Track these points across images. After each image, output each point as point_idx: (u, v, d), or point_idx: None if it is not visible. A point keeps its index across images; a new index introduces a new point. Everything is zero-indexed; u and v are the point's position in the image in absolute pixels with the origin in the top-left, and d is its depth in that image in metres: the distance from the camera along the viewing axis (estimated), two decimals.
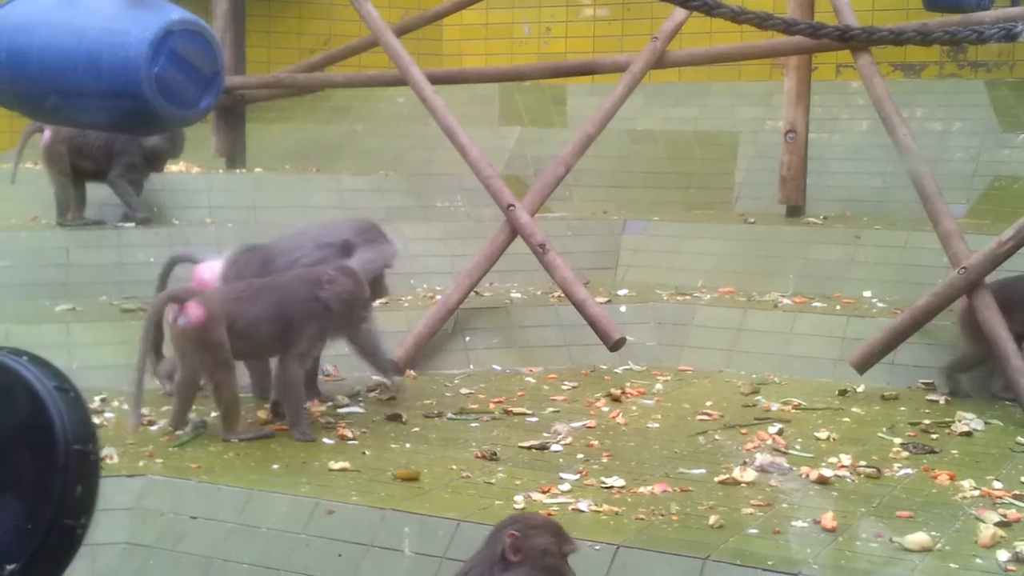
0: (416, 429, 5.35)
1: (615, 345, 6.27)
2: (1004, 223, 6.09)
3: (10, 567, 2.38)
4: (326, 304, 5.19)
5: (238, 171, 9.09)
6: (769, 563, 3.75)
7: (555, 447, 5.07)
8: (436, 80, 7.53)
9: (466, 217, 8.33)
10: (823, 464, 4.71)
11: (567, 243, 7.66)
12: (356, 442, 5.11)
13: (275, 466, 4.76)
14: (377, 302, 5.80)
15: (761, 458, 4.72)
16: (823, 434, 5.17)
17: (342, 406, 5.71)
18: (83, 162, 7.54)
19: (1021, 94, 9.25)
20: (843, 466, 4.67)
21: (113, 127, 6.52)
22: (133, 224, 7.59)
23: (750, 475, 4.56)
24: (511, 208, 6.75)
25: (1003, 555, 3.72)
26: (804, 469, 4.64)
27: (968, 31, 5.34)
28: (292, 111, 10.75)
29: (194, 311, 5.01)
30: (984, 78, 9.65)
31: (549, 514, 4.17)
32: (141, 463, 4.78)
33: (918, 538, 3.85)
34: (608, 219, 8.42)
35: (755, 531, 4.01)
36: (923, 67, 9.99)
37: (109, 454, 4.83)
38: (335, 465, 4.73)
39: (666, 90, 10.14)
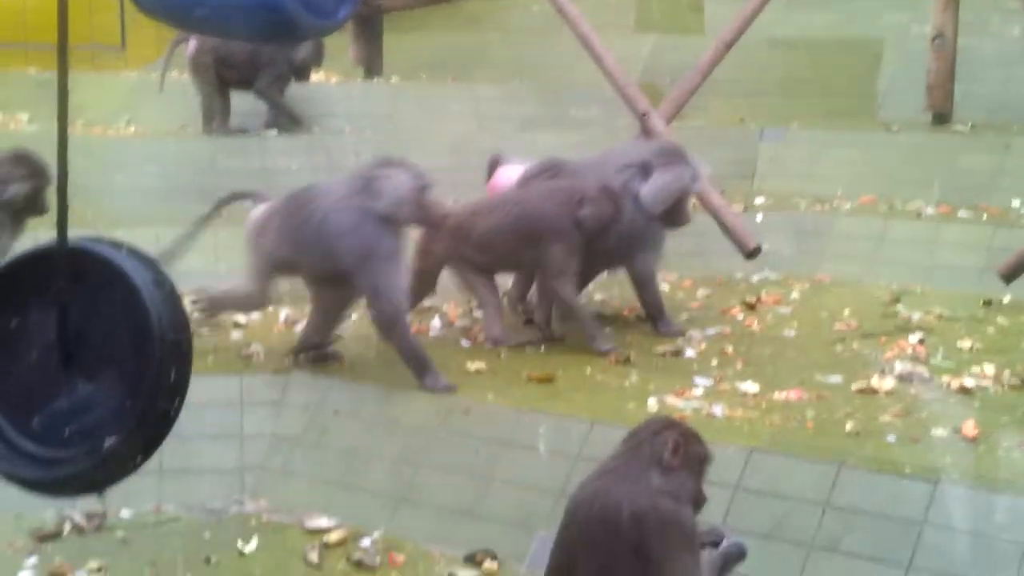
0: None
1: (751, 253, 6.20)
2: None
3: (110, 440, 2.55)
4: (579, 222, 5.04)
5: (375, 80, 9.18)
6: (907, 470, 3.72)
7: (689, 352, 5.08)
8: None
9: (602, 126, 8.28)
10: (965, 374, 4.62)
11: (704, 151, 7.49)
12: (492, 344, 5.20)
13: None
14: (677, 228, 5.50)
15: (901, 366, 4.66)
16: (966, 344, 5.06)
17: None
18: (228, 72, 7.70)
19: None
20: (986, 376, 4.58)
21: (254, 37, 6.59)
22: (275, 132, 7.76)
23: (889, 383, 4.51)
24: (645, 116, 6.68)
25: None
26: (945, 378, 4.56)
27: None
28: (428, 20, 10.77)
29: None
30: None
31: (682, 417, 4.19)
32: (286, 361, 4.95)
33: None
34: (745, 128, 8.28)
35: (893, 439, 3.97)
36: None
37: (256, 351, 5.01)
38: (472, 366, 4.83)
39: None
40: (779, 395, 4.46)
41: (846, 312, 5.68)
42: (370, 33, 9.36)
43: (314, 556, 4.10)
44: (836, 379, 4.64)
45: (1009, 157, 7.16)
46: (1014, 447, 3.85)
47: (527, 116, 8.24)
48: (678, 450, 3.11)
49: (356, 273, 4.58)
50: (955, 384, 4.49)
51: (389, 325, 4.59)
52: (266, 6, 5.13)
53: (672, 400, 4.42)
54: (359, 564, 4.05)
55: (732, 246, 6.26)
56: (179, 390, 2.63)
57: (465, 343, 5.25)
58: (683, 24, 10.05)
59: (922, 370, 4.65)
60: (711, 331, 5.40)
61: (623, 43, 8.84)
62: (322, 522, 4.29)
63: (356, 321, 5.31)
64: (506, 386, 4.63)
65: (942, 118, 8.03)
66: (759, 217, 6.93)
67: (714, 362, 4.95)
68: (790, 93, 8.99)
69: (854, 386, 4.52)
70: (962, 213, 6.76)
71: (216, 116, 7.76)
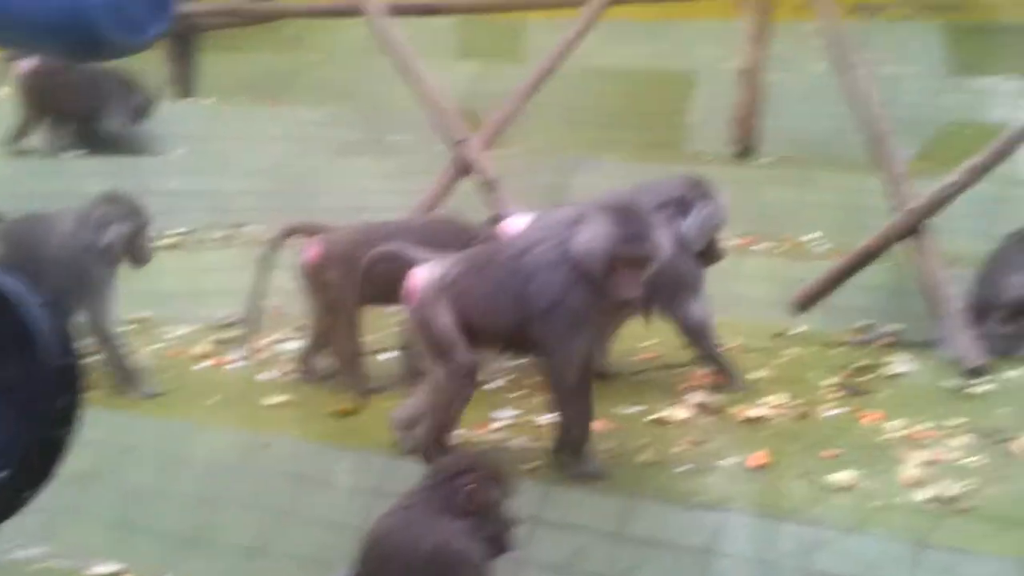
0: None
1: None
2: (952, 167, 6.13)
3: (2, 474, 2.48)
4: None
5: (190, 100, 9.00)
6: (696, 500, 3.83)
7: (493, 385, 5.11)
8: (394, 11, 7.46)
9: (420, 152, 8.29)
10: (755, 403, 4.78)
11: (519, 180, 7.63)
12: (296, 376, 5.14)
13: (210, 400, 4.78)
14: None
15: (695, 397, 4.79)
16: (759, 374, 5.24)
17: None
18: (64, 102, 7.48)
19: (976, 38, 9.27)
20: (774, 406, 4.75)
21: (62, 53, 6.42)
22: (82, 152, 7.54)
23: (682, 414, 4.63)
24: (463, 143, 6.73)
25: (923, 494, 3.81)
26: (736, 408, 4.71)
27: None
28: (246, 40, 10.61)
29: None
30: (940, 21, 9.65)
31: (483, 451, 4.23)
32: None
33: (842, 476, 3.93)
34: (562, 157, 8.41)
35: (685, 469, 4.08)
36: (881, 8, 9.97)
37: None
38: (272, 400, 4.76)
39: (625, 27, 10.06)
40: None
41: (647, 343, 5.82)
42: (185, 52, 9.19)
43: None
44: (634, 409, 4.74)
45: (809, 190, 7.46)
46: (799, 476, 4.00)
47: (346, 141, 8.21)
48: (474, 496, 3.17)
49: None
50: (746, 414, 4.64)
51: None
52: (74, 22, 5.03)
53: (474, 433, 4.45)
54: None
55: None
56: (70, 418, 2.55)
57: (265, 376, 5.17)
58: (504, 51, 10.17)
59: (716, 400, 4.79)
60: (514, 363, 5.44)
61: (443, 69, 8.88)
62: (108, 567, 4.16)
63: (153, 351, 5.18)
64: (307, 420, 4.59)
65: (747, 151, 8.32)
66: None
67: (516, 394, 5.00)
68: (606, 124, 9.18)
69: (650, 417, 4.63)
70: (764, 245, 7.00)
71: (26, 136, 7.52)
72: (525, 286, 3.95)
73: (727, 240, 7.05)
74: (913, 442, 4.33)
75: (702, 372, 5.18)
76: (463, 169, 6.75)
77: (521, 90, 7.03)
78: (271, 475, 4.31)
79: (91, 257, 4.77)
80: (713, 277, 6.64)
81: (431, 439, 4.07)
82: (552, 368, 4.04)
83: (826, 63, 8.94)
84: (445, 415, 4.08)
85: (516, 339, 4.09)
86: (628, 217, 3.94)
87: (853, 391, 4.96)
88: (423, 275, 4.07)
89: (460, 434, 4.40)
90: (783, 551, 3.70)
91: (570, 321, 3.93)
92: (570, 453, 4.09)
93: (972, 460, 4.12)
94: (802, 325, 6.07)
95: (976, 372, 5.13)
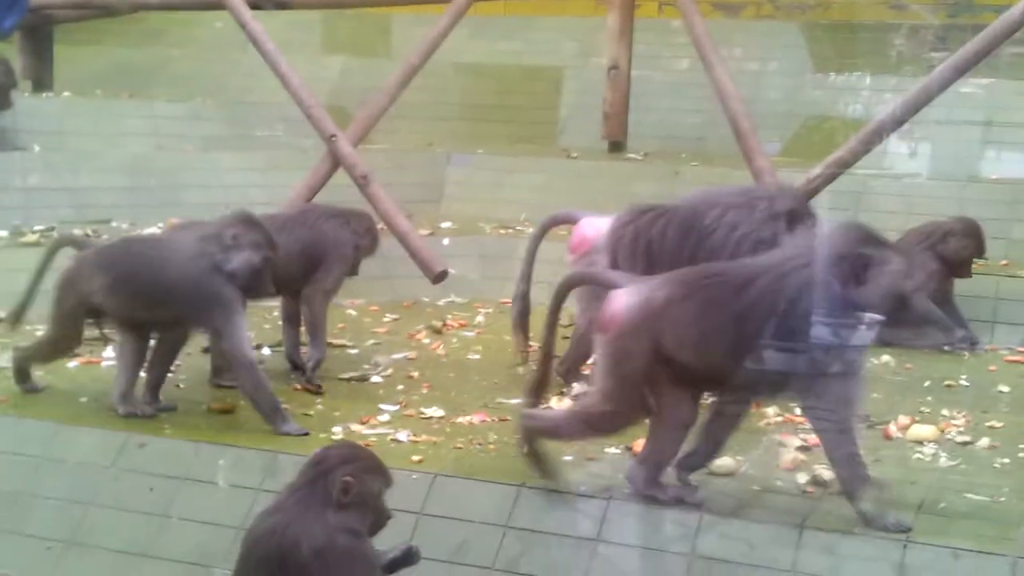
0: None
1: (437, 277, 6.27)
2: (815, 161, 6.30)
3: None
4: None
5: (45, 95, 8.69)
6: (581, 488, 3.84)
7: (375, 378, 5.06)
8: (256, 5, 7.33)
9: (287, 147, 8.17)
10: None
11: (391, 175, 7.58)
12: (171, 374, 4.99)
13: (83, 399, 4.61)
14: None
15: (578, 388, 4.81)
16: None
17: None
18: None
19: (834, 36, 9.56)
20: None
21: None
22: None
23: (566, 404, 4.64)
24: (333, 138, 6.65)
25: (803, 477, 3.89)
26: None
27: None
28: (104, 33, 10.30)
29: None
30: (799, 20, 9.92)
31: (367, 444, 4.17)
32: None
33: (724, 462, 3.99)
34: (433, 152, 8.38)
35: (570, 458, 4.09)
36: (742, 7, 10.21)
37: None
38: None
39: (493, 23, 10.09)
40: (463, 419, 4.51)
41: (529, 335, 5.82)
42: (39, 44, 8.87)
43: None
44: (518, 401, 4.72)
45: (678, 183, 7.58)
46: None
47: (209, 135, 8.04)
48: (349, 489, 3.13)
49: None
50: None
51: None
52: None
53: (357, 427, 4.39)
54: None
55: (419, 270, 6.31)
56: None
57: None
58: (371, 47, 10.09)
59: None
60: (397, 356, 5.42)
61: (311, 64, 8.78)
62: None
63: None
64: (185, 418, 4.46)
65: (617, 146, 8.42)
66: (446, 241, 7.03)
67: (400, 387, 4.96)
68: (477, 118, 9.20)
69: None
70: None
71: None
72: (769, 317, 3.51)
73: None
74: (791, 426, 4.43)
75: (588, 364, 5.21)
76: (335, 164, 6.66)
77: (390, 85, 6.98)
78: (147, 475, 4.17)
79: (219, 279, 4.37)
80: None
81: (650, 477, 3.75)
82: (827, 409, 3.56)
83: (690, 59, 9.15)
84: (663, 453, 3.77)
85: (736, 376, 3.63)
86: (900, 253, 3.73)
87: None
88: (625, 300, 3.65)
89: (346, 427, 4.35)
90: (668, 536, 3.72)
91: (846, 360, 3.55)
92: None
93: None
94: None
95: None
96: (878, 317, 3.59)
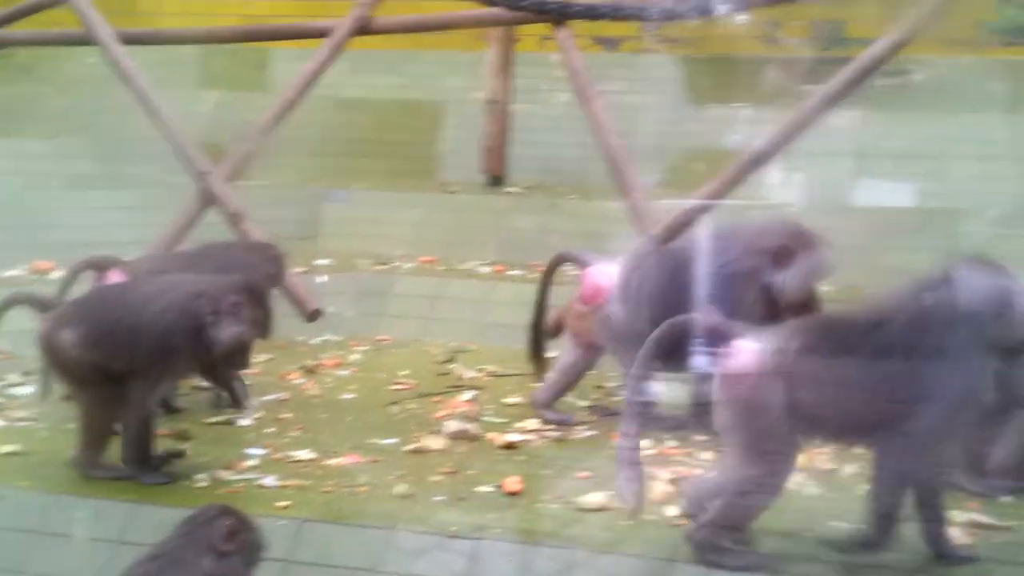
0: None
1: (311, 316, 6.16)
2: (692, 192, 6.37)
3: None
4: None
5: None
6: (453, 529, 3.78)
7: (243, 422, 4.94)
8: (128, 40, 7.17)
9: (159, 185, 7.98)
10: (511, 429, 4.79)
11: (266, 212, 7.42)
12: (29, 423, 4.82)
13: None
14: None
15: (451, 425, 4.75)
16: (514, 400, 5.25)
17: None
18: None
19: (710, 69, 9.69)
20: (529, 431, 4.76)
21: None
22: None
23: (439, 443, 4.58)
24: (205, 175, 6.51)
25: (673, 510, 3.87)
26: (491, 435, 4.70)
27: (658, 10, 5.54)
28: None
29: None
30: (677, 53, 10.05)
31: (232, 492, 4.07)
32: None
33: (595, 498, 3.96)
34: (309, 188, 8.28)
35: (441, 498, 4.03)
36: (620, 41, 10.31)
37: None
38: (2, 448, 4.44)
39: (372, 57, 10.01)
40: (333, 461, 4.42)
41: (404, 372, 5.76)
42: None
43: None
44: (391, 441, 4.67)
45: (556, 217, 7.59)
46: (552, 500, 4.01)
47: (79, 173, 7.83)
48: (232, 536, 3.17)
49: None
50: (502, 440, 4.64)
51: None
52: None
53: (224, 473, 4.27)
54: None
55: (293, 309, 6.19)
56: None
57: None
58: (247, 81, 9.94)
59: (472, 428, 4.77)
60: (269, 398, 5.30)
61: (186, 99, 8.61)
62: None
63: None
64: (41, 469, 4.29)
65: (496, 180, 8.41)
66: (322, 279, 6.92)
67: (271, 429, 4.85)
68: (355, 153, 9.10)
69: (407, 447, 4.57)
70: (515, 271, 7.07)
71: None
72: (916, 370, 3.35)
73: (477, 267, 7.17)
74: (663, 458, 4.42)
75: (460, 400, 5.17)
76: (208, 201, 6.52)
77: (265, 121, 6.88)
78: (2, 530, 4.00)
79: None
80: (466, 304, 6.71)
81: (717, 531, 3.49)
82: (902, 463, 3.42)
83: (570, 93, 9.20)
84: (743, 516, 3.51)
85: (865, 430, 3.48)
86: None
87: (605, 412, 5.02)
88: (752, 351, 3.46)
89: (212, 473, 4.23)
90: (541, 574, 3.68)
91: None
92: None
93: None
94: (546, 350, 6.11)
95: None
96: None
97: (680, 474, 4.21)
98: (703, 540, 3.50)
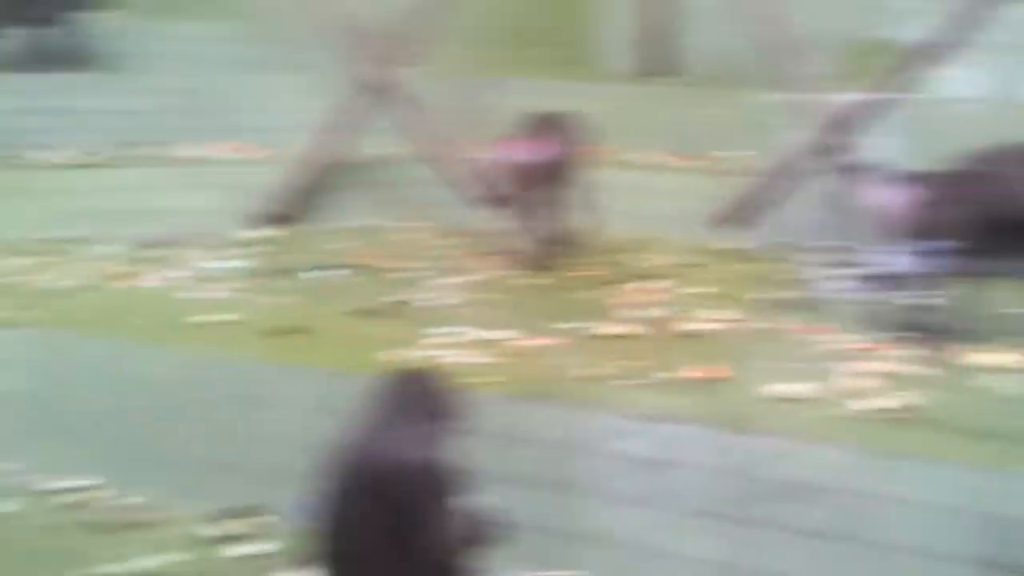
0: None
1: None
2: (864, 85, 6.22)
3: None
4: None
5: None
6: (647, 413, 3.83)
7: (449, 301, 5.10)
8: None
9: (329, 71, 8.03)
10: (692, 318, 4.82)
11: (436, 101, 7.45)
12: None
13: (143, 320, 4.70)
14: None
15: (642, 313, 4.79)
16: (693, 289, 5.26)
17: None
18: None
19: None
20: (718, 320, 4.78)
21: None
22: None
23: (632, 329, 4.64)
24: (376, 62, 6.54)
25: (872, 404, 3.83)
26: (675, 323, 4.74)
27: None
28: None
29: None
30: None
31: (438, 366, 4.17)
32: None
33: (791, 388, 3.96)
34: (472, 78, 8.25)
35: (642, 382, 4.06)
36: None
37: None
38: (216, 318, 4.68)
39: None
40: (530, 342, 4.50)
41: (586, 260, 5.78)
42: None
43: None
44: (573, 325, 4.72)
45: (727, 108, 7.42)
46: (746, 387, 4.04)
47: (249, 58, 7.99)
48: (439, 399, 3.13)
49: None
50: (684, 328, 4.67)
51: None
52: None
53: (409, 351, 4.37)
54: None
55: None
56: None
57: (206, 295, 5.07)
58: None
59: (664, 314, 4.81)
60: (460, 279, 5.41)
61: None
62: (79, 481, 4.13)
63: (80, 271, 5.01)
64: (252, 338, 4.50)
65: (664, 70, 8.33)
66: None
67: (468, 311, 4.95)
68: (518, 44, 9.03)
69: (591, 332, 4.64)
70: (684, 162, 7.00)
71: None
72: None
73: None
74: (857, 353, 4.38)
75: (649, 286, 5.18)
76: (378, 89, 6.62)
77: (428, 10, 6.90)
78: (216, 394, 4.23)
79: None
80: (632, 194, 6.66)
81: None
82: None
83: None
84: None
85: None
86: None
87: (788, 305, 4.96)
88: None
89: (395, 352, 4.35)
90: (746, 461, 3.68)
91: None
92: None
93: (915, 370, 4.18)
94: (724, 241, 6.09)
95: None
96: None
97: (877, 369, 4.18)
98: None
